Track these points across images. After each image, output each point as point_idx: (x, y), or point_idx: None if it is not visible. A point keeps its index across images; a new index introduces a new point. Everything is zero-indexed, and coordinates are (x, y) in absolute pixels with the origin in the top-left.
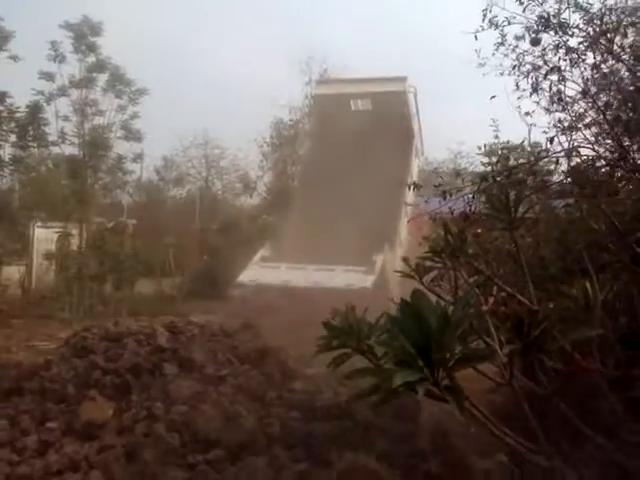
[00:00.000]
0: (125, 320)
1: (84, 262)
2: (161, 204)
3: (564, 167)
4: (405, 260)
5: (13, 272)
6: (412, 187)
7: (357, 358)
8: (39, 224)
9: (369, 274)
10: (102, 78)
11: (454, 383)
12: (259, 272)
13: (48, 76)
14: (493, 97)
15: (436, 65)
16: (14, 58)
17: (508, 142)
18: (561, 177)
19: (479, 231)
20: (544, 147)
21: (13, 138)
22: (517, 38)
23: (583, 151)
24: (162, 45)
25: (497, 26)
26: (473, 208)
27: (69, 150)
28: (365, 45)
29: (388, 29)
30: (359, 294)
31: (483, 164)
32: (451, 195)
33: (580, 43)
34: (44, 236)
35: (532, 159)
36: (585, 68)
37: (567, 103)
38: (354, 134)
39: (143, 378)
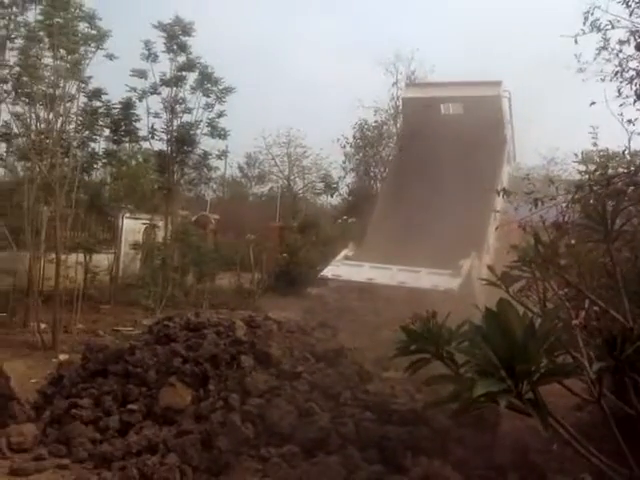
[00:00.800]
0: (205, 311)
1: (168, 253)
2: (244, 200)
3: None
4: (491, 268)
5: (102, 260)
6: (502, 193)
7: (436, 364)
8: (128, 215)
9: (455, 277)
10: (191, 77)
11: (538, 397)
12: (343, 269)
13: (141, 73)
14: (593, 103)
15: (529, 68)
16: (110, 57)
17: (607, 150)
18: None
19: (572, 242)
20: None
21: (107, 133)
22: (621, 42)
23: None
24: (250, 45)
25: (600, 29)
26: (567, 218)
27: (158, 146)
28: (455, 46)
29: (479, 29)
30: (443, 296)
31: (579, 172)
32: (543, 203)
33: None
34: (132, 227)
35: (632, 168)
36: None
37: None
38: (443, 138)
39: (221, 369)
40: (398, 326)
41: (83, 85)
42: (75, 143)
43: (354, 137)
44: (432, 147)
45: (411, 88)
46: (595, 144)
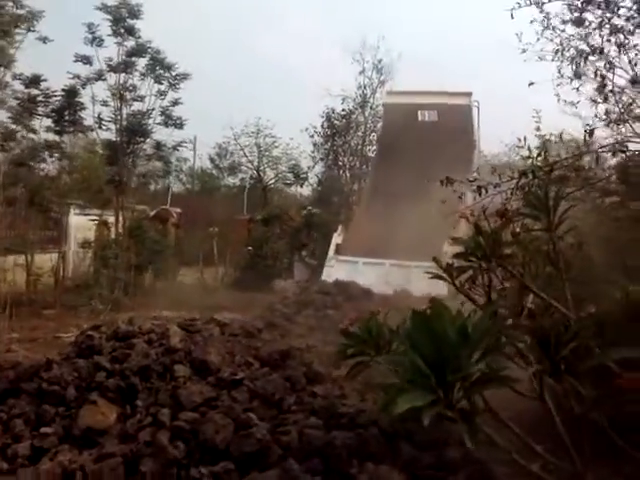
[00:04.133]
0: (141, 317)
1: (120, 251)
2: (211, 193)
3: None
4: (435, 260)
5: (47, 261)
6: (445, 182)
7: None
8: (77, 211)
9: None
10: (142, 63)
11: (474, 406)
12: (339, 269)
13: (85, 59)
14: (532, 84)
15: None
16: (43, 40)
17: (551, 135)
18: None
19: (517, 231)
20: (590, 141)
21: (48, 123)
22: (564, 22)
23: (633, 146)
24: (216, 30)
25: (537, 4)
26: (510, 205)
27: (106, 136)
28: (422, 30)
29: (445, 16)
30: None
31: (523, 158)
32: (487, 191)
33: (627, 20)
34: (82, 224)
35: (575, 153)
36: (637, 53)
37: (614, 93)
38: (420, 141)
39: (152, 381)
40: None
41: (18, 72)
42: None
43: (322, 126)
44: (410, 149)
45: (391, 95)
46: (538, 128)
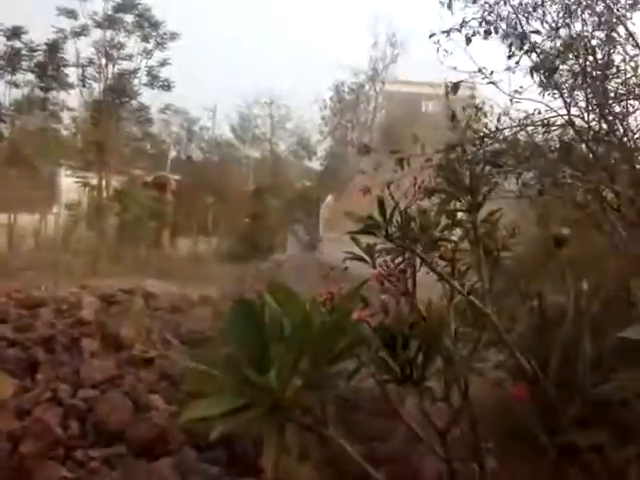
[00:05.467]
0: (108, 287)
1: (106, 216)
2: (229, 163)
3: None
4: (355, 240)
5: (33, 222)
6: (363, 150)
7: None
8: (68, 172)
9: None
10: (130, 20)
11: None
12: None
13: (68, 13)
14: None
15: None
16: None
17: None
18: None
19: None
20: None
21: (31, 77)
22: None
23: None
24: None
25: None
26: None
27: (90, 96)
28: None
29: None
30: None
31: (449, 129)
32: (409, 164)
33: None
34: (73, 186)
35: (513, 127)
36: None
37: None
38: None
39: (57, 354)
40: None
41: None
42: None
43: (331, 99)
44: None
45: (395, 84)
46: (473, 96)
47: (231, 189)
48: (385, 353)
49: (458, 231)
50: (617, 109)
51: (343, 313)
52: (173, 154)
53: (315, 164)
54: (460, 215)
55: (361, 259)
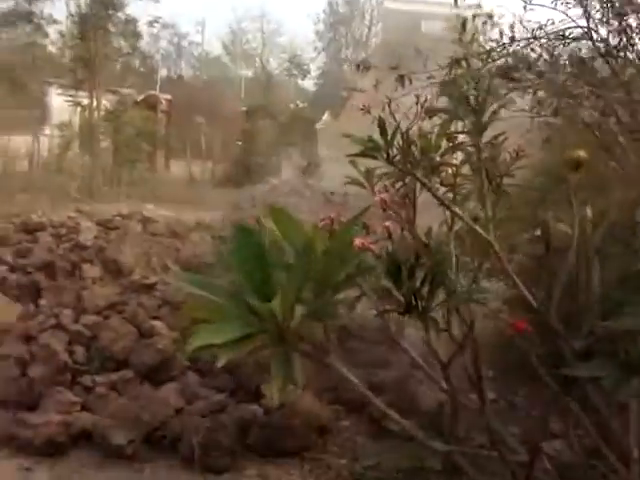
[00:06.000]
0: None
1: (98, 137)
2: (220, 82)
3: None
4: (354, 163)
5: (25, 143)
6: (360, 67)
7: None
8: (59, 91)
9: None
10: None
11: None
12: None
13: None
14: None
15: None
16: None
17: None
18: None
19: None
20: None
21: None
22: None
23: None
24: None
25: None
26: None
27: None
28: None
29: None
30: None
31: (452, 42)
32: (410, 81)
33: None
34: (62, 105)
35: (527, 37)
36: None
37: None
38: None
39: (58, 279)
40: None
41: None
42: None
43: (324, 12)
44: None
45: (395, 1)
46: (479, 5)
47: (224, 110)
48: (389, 282)
49: (460, 155)
50: (634, 23)
51: (345, 240)
52: (163, 72)
53: (309, 83)
54: (462, 137)
55: (360, 184)
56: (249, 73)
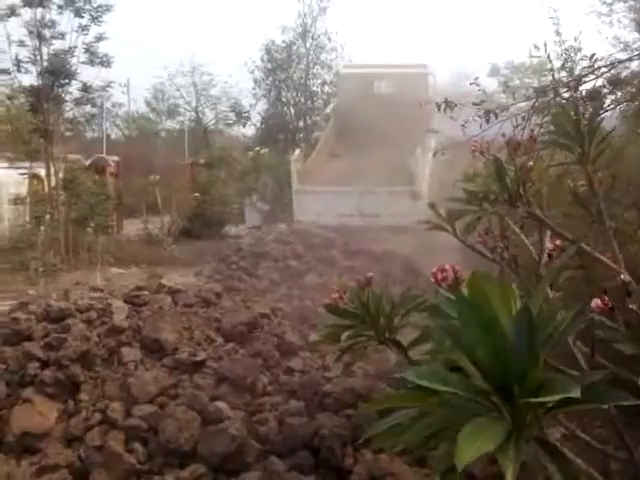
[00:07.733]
0: (78, 288)
1: (55, 206)
2: (153, 138)
3: None
4: (432, 206)
5: None
6: (442, 107)
7: None
8: (5, 165)
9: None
10: None
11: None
12: (306, 201)
13: None
14: None
15: None
16: None
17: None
18: None
19: (531, 164)
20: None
21: None
22: None
23: None
24: None
25: None
26: (526, 132)
27: (27, 80)
28: None
29: None
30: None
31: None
32: (496, 116)
33: None
34: (13, 179)
35: (612, 60)
36: None
37: None
38: (376, 110)
39: (95, 369)
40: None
41: None
42: None
43: (262, 60)
44: (366, 117)
45: (347, 67)
46: (558, 32)
47: (171, 164)
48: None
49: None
50: None
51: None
52: (90, 134)
53: (249, 130)
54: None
55: (442, 227)
56: (177, 126)
